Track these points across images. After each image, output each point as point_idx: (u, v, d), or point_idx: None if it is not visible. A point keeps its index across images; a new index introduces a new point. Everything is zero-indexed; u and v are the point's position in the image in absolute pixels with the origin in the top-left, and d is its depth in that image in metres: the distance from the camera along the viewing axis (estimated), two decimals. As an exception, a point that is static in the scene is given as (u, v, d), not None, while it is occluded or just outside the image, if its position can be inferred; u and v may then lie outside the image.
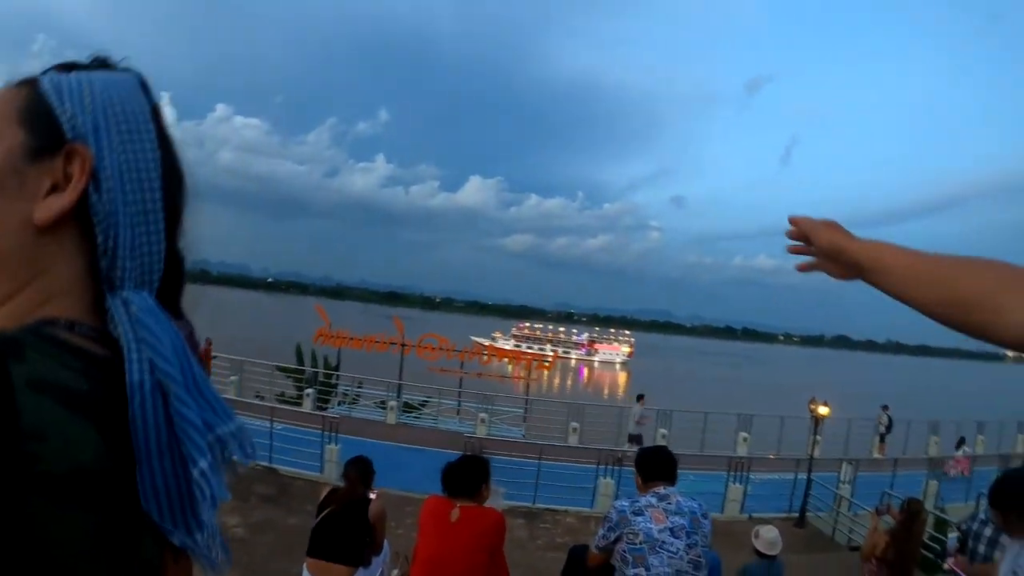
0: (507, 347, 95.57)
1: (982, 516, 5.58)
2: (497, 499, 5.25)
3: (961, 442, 25.89)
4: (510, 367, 36.31)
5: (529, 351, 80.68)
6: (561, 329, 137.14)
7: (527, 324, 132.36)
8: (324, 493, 6.00)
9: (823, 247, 1.41)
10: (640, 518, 4.16)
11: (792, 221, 1.48)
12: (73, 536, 0.68)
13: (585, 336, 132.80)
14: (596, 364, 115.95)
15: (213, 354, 24.33)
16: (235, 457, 0.90)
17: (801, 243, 1.47)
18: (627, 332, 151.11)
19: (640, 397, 23.23)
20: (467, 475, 4.81)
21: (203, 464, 0.80)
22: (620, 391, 78.98)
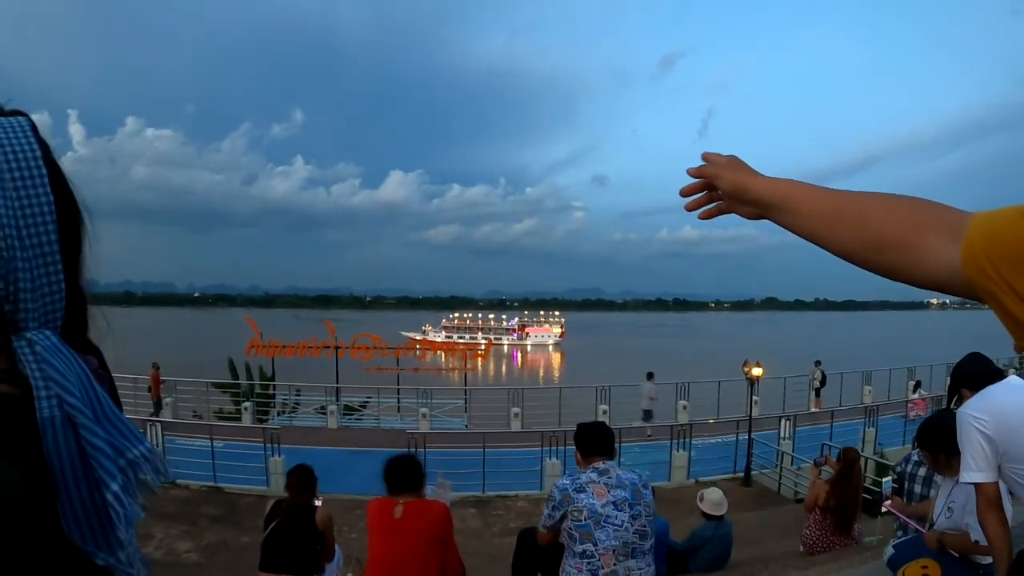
0: (438, 339, 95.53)
1: (915, 458, 5.76)
2: (445, 492, 5.39)
3: (917, 385, 27.18)
4: (444, 359, 36.27)
5: (461, 341, 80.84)
6: (491, 316, 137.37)
7: (457, 315, 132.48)
8: (269, 506, 5.96)
9: (726, 189, 1.36)
10: (582, 495, 4.24)
11: (704, 158, 1.43)
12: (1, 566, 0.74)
13: (516, 321, 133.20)
14: (529, 347, 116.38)
15: (161, 378, 24.00)
16: (147, 477, 0.92)
17: (700, 193, 1.43)
18: (557, 313, 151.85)
19: (650, 375, 23.50)
20: (406, 472, 4.82)
21: (115, 487, 0.83)
22: (556, 372, 79.80)
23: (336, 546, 6.21)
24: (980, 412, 3.24)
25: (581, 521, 4.17)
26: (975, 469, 3.20)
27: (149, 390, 23.56)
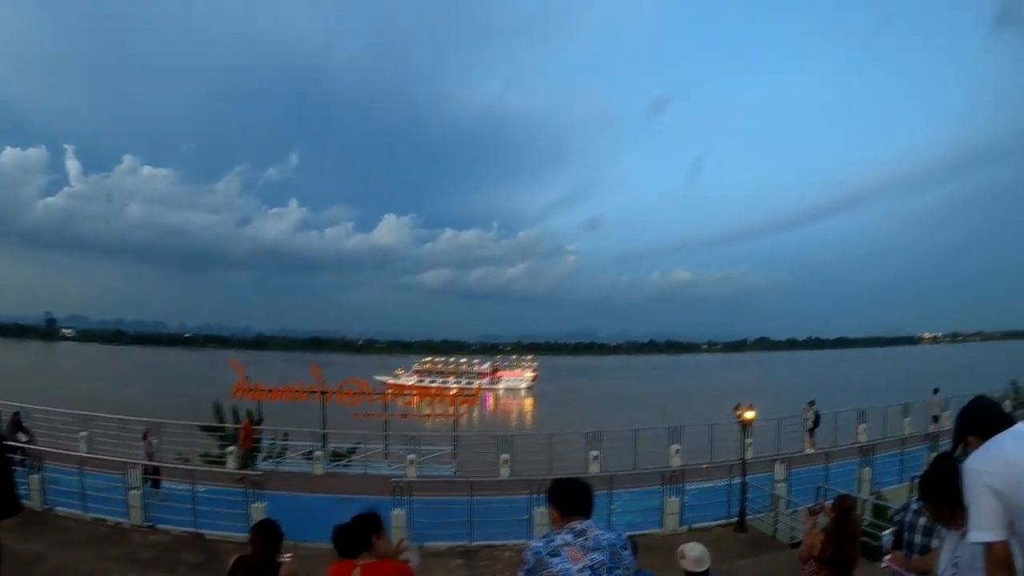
0: (410, 383, 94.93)
1: (914, 505, 5.58)
2: (413, 555, 5.05)
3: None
4: (422, 405, 35.84)
5: (432, 385, 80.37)
6: (463, 360, 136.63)
7: (429, 359, 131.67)
8: (231, 562, 5.64)
9: None
10: (557, 559, 3.87)
11: None
12: None
13: (488, 365, 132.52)
14: (501, 391, 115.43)
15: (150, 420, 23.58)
16: None
17: None
18: (530, 357, 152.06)
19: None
20: (353, 533, 4.62)
21: None
22: (528, 417, 79.25)
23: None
24: (989, 464, 3.01)
25: None
26: (983, 527, 2.96)
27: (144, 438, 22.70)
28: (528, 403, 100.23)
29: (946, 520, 3.82)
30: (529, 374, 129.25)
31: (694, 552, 7.80)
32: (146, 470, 18.78)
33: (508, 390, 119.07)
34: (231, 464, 23.22)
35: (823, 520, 8.58)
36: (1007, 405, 27.10)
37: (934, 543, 4.87)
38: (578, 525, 4.02)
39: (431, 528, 16.74)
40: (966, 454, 3.22)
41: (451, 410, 31.30)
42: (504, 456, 23.09)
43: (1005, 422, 3.27)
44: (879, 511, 15.11)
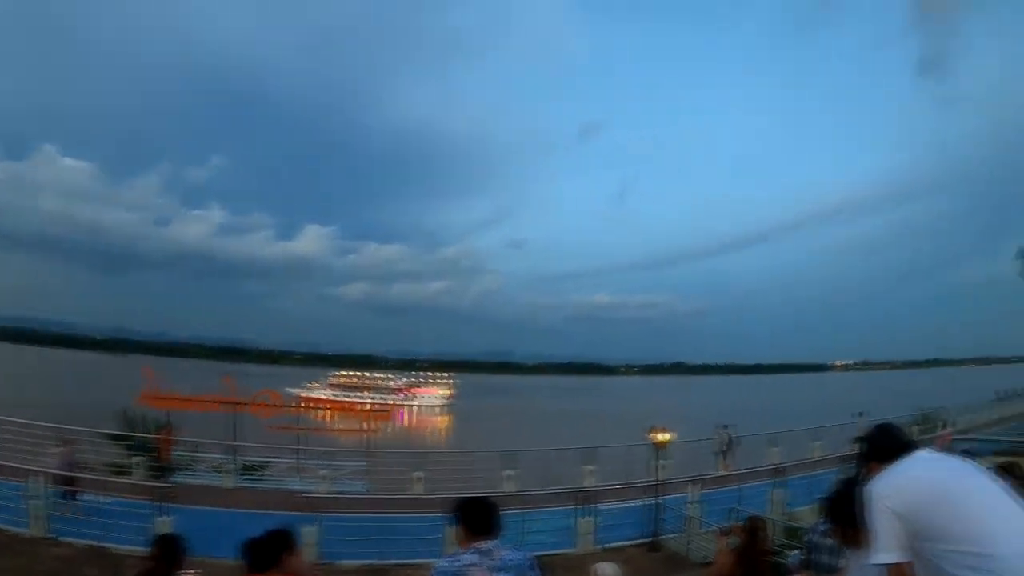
0: (324, 396, 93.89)
1: (822, 527, 5.71)
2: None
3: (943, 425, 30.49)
4: (336, 420, 35.45)
5: (346, 400, 79.39)
6: (379, 375, 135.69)
7: (343, 372, 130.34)
8: None
9: None
10: None
11: None
12: None
13: (404, 381, 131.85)
14: (416, 408, 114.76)
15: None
16: None
17: None
18: (448, 375, 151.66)
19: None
20: (264, 548, 4.45)
21: None
22: (443, 435, 79.00)
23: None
24: (890, 489, 3.13)
25: None
26: (885, 549, 3.07)
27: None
28: (443, 420, 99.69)
29: (851, 541, 4.03)
30: (445, 391, 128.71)
31: (607, 571, 7.83)
32: (62, 480, 18.00)
33: (423, 407, 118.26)
34: (139, 475, 22.47)
35: (734, 540, 8.75)
36: (914, 431, 28.03)
37: (841, 563, 4.97)
38: (484, 545, 4.01)
39: (342, 545, 16.44)
40: (869, 478, 3.31)
41: (364, 425, 30.97)
42: (418, 474, 22.86)
43: (907, 448, 3.38)
44: (790, 532, 15.42)
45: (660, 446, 20.99)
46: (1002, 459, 8.34)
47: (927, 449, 3.45)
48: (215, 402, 28.41)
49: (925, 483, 3.11)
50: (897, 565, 3.04)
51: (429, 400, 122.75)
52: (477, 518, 4.17)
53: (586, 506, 18.86)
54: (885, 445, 3.42)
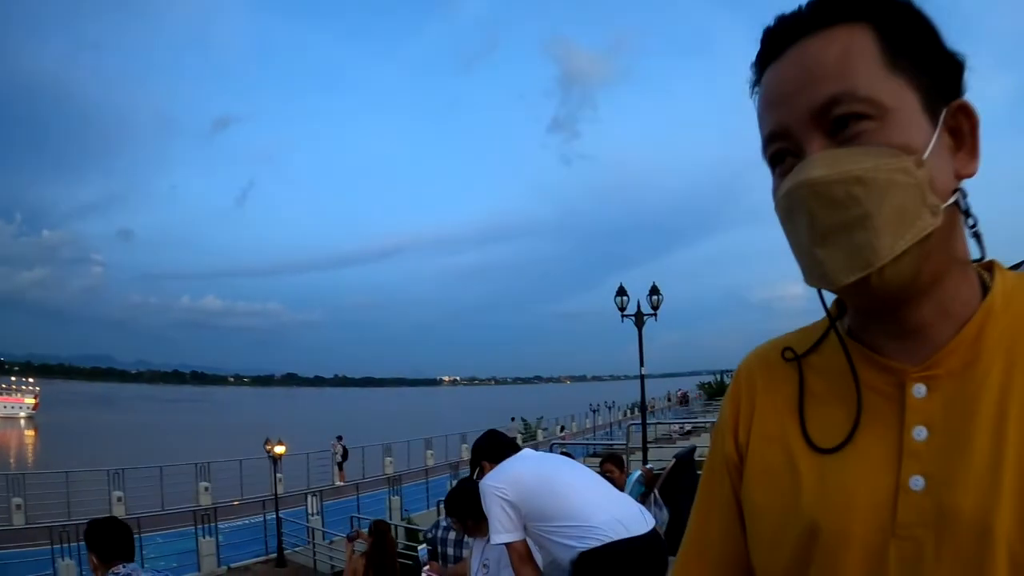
0: None
1: (444, 523, 6.47)
2: None
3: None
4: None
5: None
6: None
7: None
8: None
9: None
10: None
11: None
12: None
13: None
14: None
15: None
16: None
17: None
18: (31, 380, 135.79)
19: None
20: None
21: None
22: (34, 452, 71.47)
23: None
24: (500, 482, 3.82)
25: None
26: (503, 531, 3.77)
27: None
28: (30, 435, 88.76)
29: (472, 531, 4.71)
30: (30, 401, 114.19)
31: None
32: None
33: (5, 419, 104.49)
34: None
35: (361, 545, 9.30)
36: (518, 437, 30.58)
37: (464, 552, 5.75)
38: (122, 569, 3.95)
39: None
40: (482, 477, 4.02)
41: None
42: (16, 500, 20.41)
43: (512, 448, 4.25)
44: (411, 534, 16.32)
45: (277, 458, 20.96)
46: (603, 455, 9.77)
47: (529, 448, 4.46)
48: None
49: (530, 475, 3.89)
50: (514, 543, 3.77)
51: (11, 410, 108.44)
52: (112, 541, 4.05)
53: (205, 525, 18.35)
54: (493, 447, 4.19)
